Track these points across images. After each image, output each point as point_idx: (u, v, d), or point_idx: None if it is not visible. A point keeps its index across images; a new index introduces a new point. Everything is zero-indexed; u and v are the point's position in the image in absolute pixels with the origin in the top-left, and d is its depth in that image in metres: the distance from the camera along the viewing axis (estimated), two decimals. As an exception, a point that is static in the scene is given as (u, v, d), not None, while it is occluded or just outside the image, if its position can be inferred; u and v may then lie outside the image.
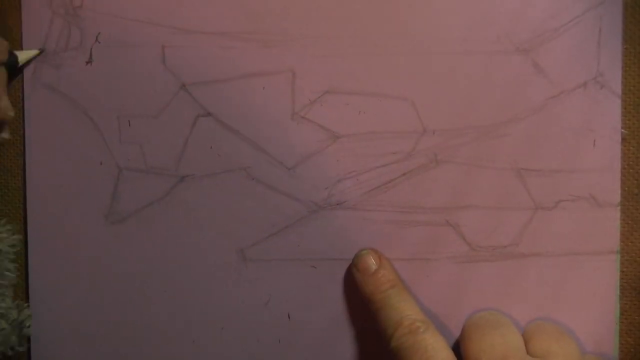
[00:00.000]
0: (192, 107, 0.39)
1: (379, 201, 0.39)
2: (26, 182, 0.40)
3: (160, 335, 0.40)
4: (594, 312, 0.38)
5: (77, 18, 0.39)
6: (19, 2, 0.39)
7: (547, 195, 0.38)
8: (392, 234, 0.39)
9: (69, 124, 0.39)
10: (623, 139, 0.38)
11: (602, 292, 0.38)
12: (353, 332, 0.39)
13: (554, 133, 0.38)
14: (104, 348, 0.40)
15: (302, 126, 0.39)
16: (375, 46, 0.38)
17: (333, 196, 0.39)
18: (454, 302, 0.39)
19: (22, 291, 0.40)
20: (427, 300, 0.39)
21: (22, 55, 0.38)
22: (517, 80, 0.38)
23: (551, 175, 0.38)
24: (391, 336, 0.35)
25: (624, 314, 0.39)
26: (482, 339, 0.35)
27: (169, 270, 0.40)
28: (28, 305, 0.40)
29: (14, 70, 0.38)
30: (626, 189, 0.38)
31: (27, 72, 0.39)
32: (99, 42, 0.39)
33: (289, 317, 0.40)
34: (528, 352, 0.35)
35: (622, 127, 0.38)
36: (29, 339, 0.40)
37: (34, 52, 0.39)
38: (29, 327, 0.39)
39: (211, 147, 0.39)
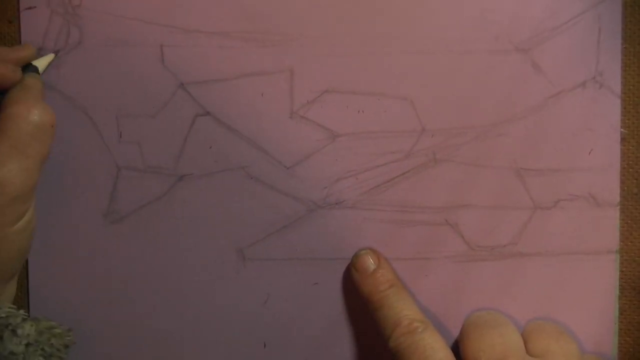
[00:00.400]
0: (191, 106, 0.39)
1: (377, 200, 0.39)
2: (25, 182, 0.40)
3: (159, 335, 0.40)
4: (593, 311, 0.38)
5: (75, 17, 0.39)
6: (17, 1, 0.39)
7: (546, 195, 0.38)
8: (391, 234, 0.39)
9: (67, 123, 0.39)
10: (622, 139, 0.38)
11: (601, 291, 0.38)
12: (352, 331, 0.39)
13: (553, 132, 0.38)
14: (102, 347, 0.40)
15: (301, 125, 0.39)
16: (374, 46, 0.38)
17: (332, 195, 0.39)
18: (453, 302, 0.39)
19: (22, 291, 0.40)
20: (426, 300, 0.39)
21: (42, 62, 0.38)
22: (516, 80, 0.38)
23: (550, 174, 0.38)
24: (389, 336, 0.35)
25: (623, 314, 0.39)
26: (481, 338, 0.35)
27: (167, 269, 0.39)
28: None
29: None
30: (625, 188, 0.38)
31: (26, 71, 0.39)
32: (98, 42, 0.39)
33: (287, 317, 0.39)
34: (527, 352, 0.35)
35: (621, 127, 0.38)
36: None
37: (50, 57, 0.39)
38: None
39: (210, 147, 0.39)
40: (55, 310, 0.40)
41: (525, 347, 0.36)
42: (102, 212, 0.39)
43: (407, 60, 0.38)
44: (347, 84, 0.38)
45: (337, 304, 0.39)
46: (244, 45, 0.39)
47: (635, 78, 0.38)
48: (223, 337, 0.40)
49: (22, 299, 0.40)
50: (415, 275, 0.39)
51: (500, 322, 0.36)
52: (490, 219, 0.38)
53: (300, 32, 0.38)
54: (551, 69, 0.38)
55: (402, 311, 0.36)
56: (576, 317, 0.38)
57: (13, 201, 0.34)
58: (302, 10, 0.38)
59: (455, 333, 0.38)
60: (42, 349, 0.35)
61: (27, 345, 0.34)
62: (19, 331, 0.34)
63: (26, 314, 0.35)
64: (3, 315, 0.34)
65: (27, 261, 0.40)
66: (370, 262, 0.38)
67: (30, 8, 0.39)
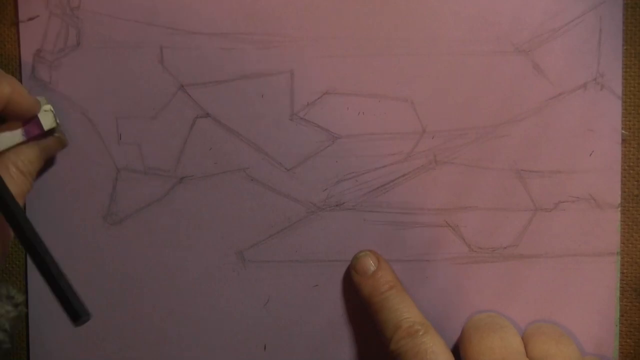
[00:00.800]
0: (191, 108, 0.39)
1: (378, 202, 0.39)
2: (24, 183, 0.40)
3: (159, 336, 0.40)
4: (594, 313, 0.38)
5: (74, 19, 0.39)
6: (15, 2, 0.39)
7: (547, 197, 0.38)
8: (392, 235, 0.39)
9: (67, 125, 0.39)
10: (623, 140, 0.38)
11: (602, 293, 0.38)
12: (352, 333, 0.39)
13: (554, 134, 0.38)
14: (102, 349, 0.40)
15: (301, 127, 0.39)
16: (374, 47, 0.38)
17: (332, 197, 0.39)
18: (454, 304, 0.39)
19: (22, 291, 0.40)
20: (427, 302, 0.39)
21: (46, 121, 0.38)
22: (517, 81, 0.38)
23: (551, 176, 0.38)
24: (390, 339, 0.35)
25: (624, 316, 0.38)
26: (482, 341, 0.35)
27: (167, 271, 0.39)
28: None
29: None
30: (626, 190, 0.38)
31: (25, 73, 0.39)
32: (97, 43, 0.39)
33: (287, 319, 0.39)
34: (527, 355, 0.35)
35: (622, 128, 0.38)
36: (27, 339, 0.40)
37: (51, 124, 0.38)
38: None
39: (210, 148, 0.39)
40: (54, 311, 0.40)
41: (526, 349, 0.36)
42: (102, 213, 0.39)
43: (407, 61, 0.38)
44: (348, 86, 0.38)
45: (338, 305, 0.39)
46: (244, 47, 0.38)
47: (636, 79, 0.38)
48: (223, 339, 0.40)
49: (22, 299, 0.40)
50: (416, 277, 0.39)
51: (501, 325, 0.36)
52: (491, 220, 0.38)
53: (300, 34, 0.38)
54: (552, 70, 0.38)
55: (402, 314, 0.36)
56: (577, 319, 0.38)
57: None
58: (303, 12, 0.38)
59: (456, 335, 0.38)
60: None
61: None
62: None
63: None
64: None
65: (26, 262, 0.40)
66: (370, 263, 0.38)
67: (31, 19, 0.39)
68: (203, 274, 0.39)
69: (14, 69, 0.39)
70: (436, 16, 0.38)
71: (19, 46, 0.39)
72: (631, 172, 0.38)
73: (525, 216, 0.38)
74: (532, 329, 0.37)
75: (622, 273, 0.38)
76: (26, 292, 0.40)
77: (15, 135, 0.36)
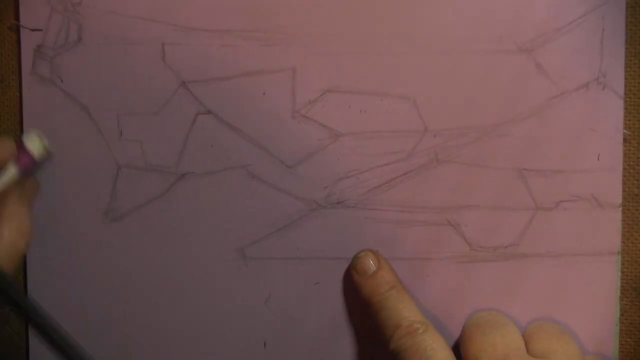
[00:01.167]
0: (192, 104, 0.39)
1: (379, 200, 0.39)
2: (25, 180, 0.40)
3: (160, 333, 0.40)
4: (595, 312, 0.38)
5: (76, 15, 0.38)
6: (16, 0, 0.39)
7: (548, 196, 0.38)
8: (393, 234, 0.39)
9: (67, 121, 0.39)
10: (625, 140, 0.38)
11: (603, 292, 0.38)
12: (353, 331, 0.39)
13: (555, 133, 0.38)
14: (102, 346, 0.40)
15: (303, 125, 0.39)
16: (377, 45, 0.38)
17: (333, 195, 0.39)
18: (454, 302, 0.39)
19: (21, 288, 0.40)
20: (427, 301, 0.39)
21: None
22: (519, 80, 0.38)
23: (552, 175, 0.38)
24: (390, 338, 0.35)
25: (624, 315, 0.39)
26: (483, 339, 0.35)
27: (168, 268, 0.39)
28: None
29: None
30: (628, 189, 0.38)
31: (25, 69, 0.39)
32: (98, 39, 0.39)
33: (288, 316, 0.39)
34: (528, 353, 0.35)
35: (624, 128, 0.38)
36: (27, 339, 0.40)
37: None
38: None
39: (211, 145, 0.39)
40: (55, 307, 0.40)
41: (527, 347, 0.36)
42: (103, 210, 0.39)
43: (410, 59, 0.38)
44: (350, 84, 0.38)
45: (338, 303, 0.39)
46: (246, 44, 0.38)
47: (638, 79, 0.38)
48: (223, 336, 0.40)
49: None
50: (417, 276, 0.39)
51: (502, 323, 0.36)
52: (492, 219, 0.38)
53: (302, 31, 0.38)
54: (554, 69, 0.38)
55: (402, 313, 0.36)
56: (577, 318, 0.38)
57: None
58: (305, 9, 0.38)
59: (456, 334, 0.38)
60: None
61: None
62: None
63: None
64: None
65: (26, 258, 0.40)
66: (370, 263, 0.38)
67: (32, 15, 0.38)
68: (204, 270, 0.39)
69: (14, 65, 0.39)
70: (439, 15, 0.38)
71: (19, 42, 0.39)
72: (632, 171, 0.38)
73: (526, 215, 0.38)
74: (533, 327, 0.37)
75: (622, 272, 0.38)
76: (25, 290, 0.40)
77: (9, 173, 0.36)
